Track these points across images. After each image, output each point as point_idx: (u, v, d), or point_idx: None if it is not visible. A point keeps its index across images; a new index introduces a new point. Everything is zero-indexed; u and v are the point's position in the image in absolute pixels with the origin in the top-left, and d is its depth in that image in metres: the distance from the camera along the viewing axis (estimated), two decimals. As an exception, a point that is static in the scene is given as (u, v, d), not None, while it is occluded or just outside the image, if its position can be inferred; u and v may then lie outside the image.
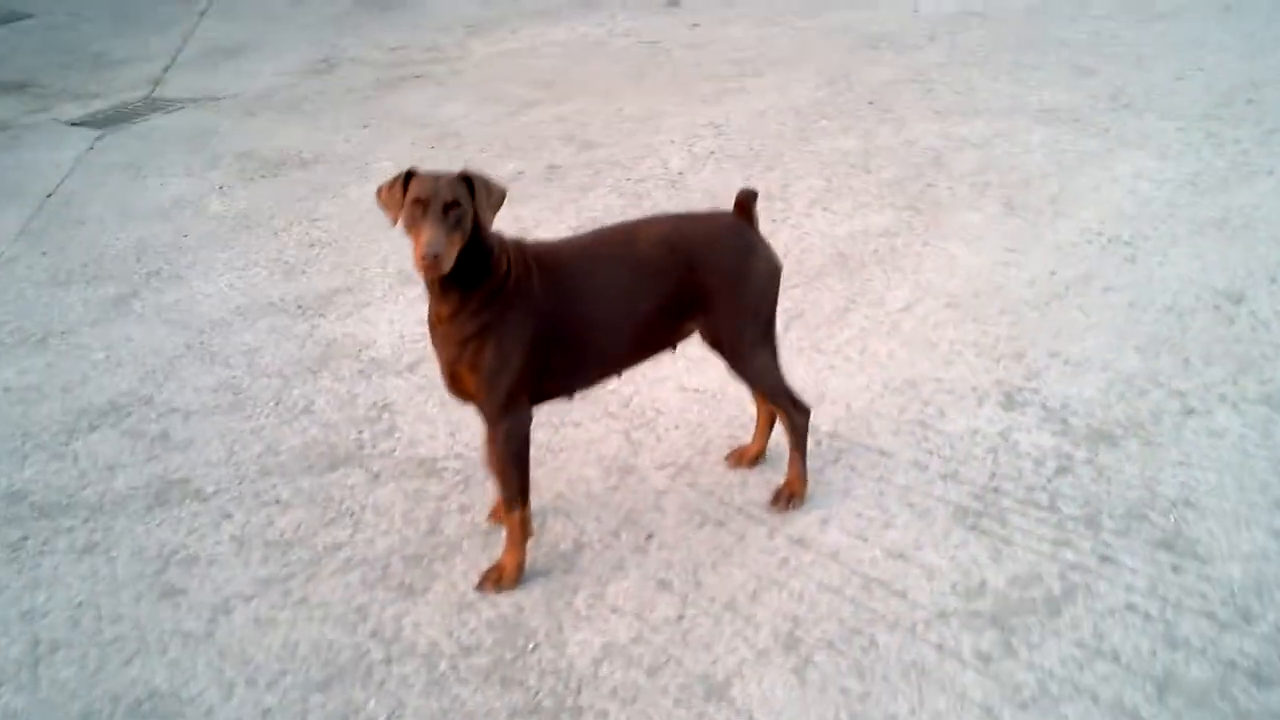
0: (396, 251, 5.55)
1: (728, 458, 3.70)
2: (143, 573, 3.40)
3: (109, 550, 3.52)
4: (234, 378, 4.52)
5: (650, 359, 3.30)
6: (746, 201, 3.24)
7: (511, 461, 3.11)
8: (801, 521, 3.36)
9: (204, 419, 4.22)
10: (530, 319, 2.98)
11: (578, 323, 3.06)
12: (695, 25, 9.66)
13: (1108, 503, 3.31)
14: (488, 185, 2.88)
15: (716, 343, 3.23)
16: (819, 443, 3.69)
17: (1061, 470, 3.48)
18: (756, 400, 3.59)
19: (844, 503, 3.42)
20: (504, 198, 2.93)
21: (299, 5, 11.64)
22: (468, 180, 2.84)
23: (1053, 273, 4.75)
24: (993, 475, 3.49)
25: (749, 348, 3.22)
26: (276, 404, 4.30)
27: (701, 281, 3.13)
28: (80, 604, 3.28)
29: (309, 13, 11.27)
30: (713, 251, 3.15)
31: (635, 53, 8.92)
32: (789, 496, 3.42)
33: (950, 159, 6.12)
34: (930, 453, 3.63)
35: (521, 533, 3.21)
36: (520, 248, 3.08)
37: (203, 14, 11.52)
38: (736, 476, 3.61)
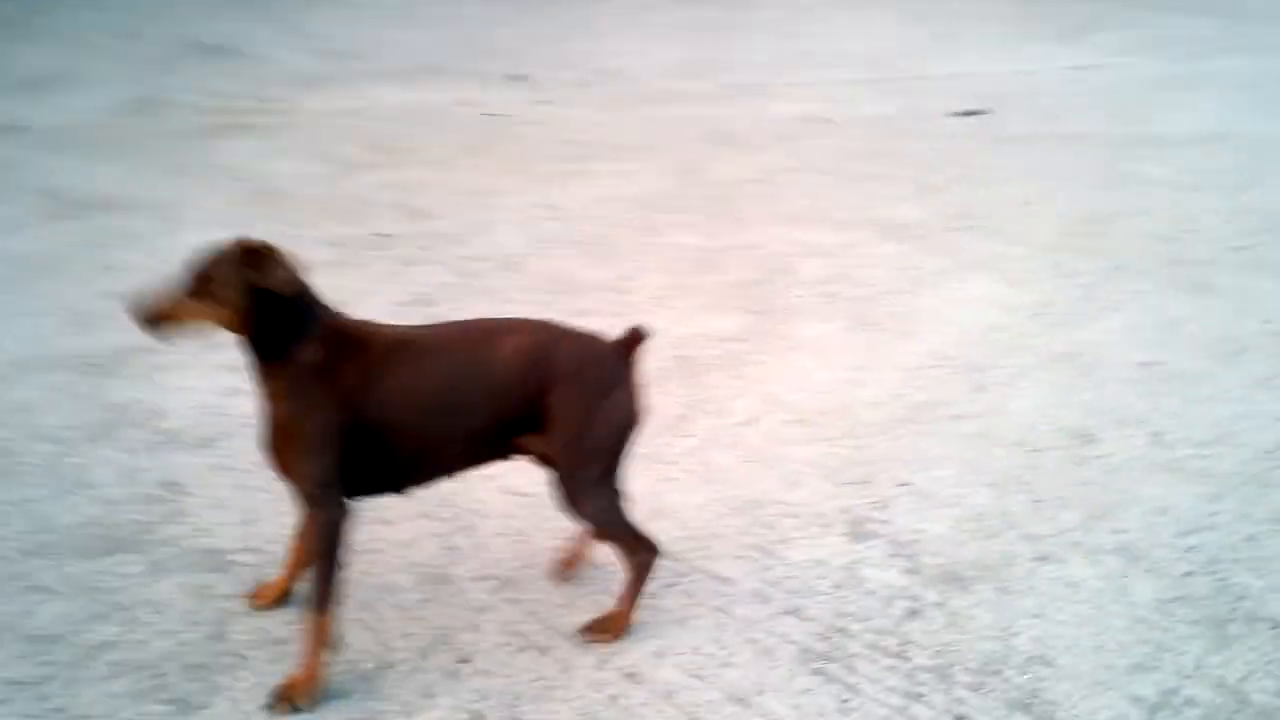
0: (203, 312, 5.12)
1: (554, 568, 3.39)
2: None
3: None
4: (4, 441, 4.04)
5: (480, 468, 3.00)
6: (634, 341, 2.98)
7: (322, 557, 2.79)
8: (634, 653, 3.06)
9: (-41, 490, 3.74)
10: (333, 408, 2.71)
11: (392, 422, 2.78)
12: (542, 102, 9.46)
13: (961, 654, 3.10)
14: (272, 258, 2.67)
15: (552, 471, 2.96)
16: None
17: (912, 613, 3.27)
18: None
19: (680, 634, 3.14)
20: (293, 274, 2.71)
21: (121, 38, 11.09)
22: (251, 251, 2.65)
23: (900, 395, 4.60)
24: (839, 614, 3.25)
25: (587, 488, 2.95)
26: (50, 473, 3.83)
27: (552, 406, 2.86)
28: None
29: (130, 47, 10.74)
30: (575, 379, 2.89)
31: (477, 124, 8.68)
32: (605, 633, 3.11)
33: (798, 266, 5.99)
34: (773, 584, 3.38)
35: (322, 642, 2.83)
36: (340, 329, 2.78)
37: (12, 36, 10.86)
38: (563, 595, 3.30)
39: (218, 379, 4.50)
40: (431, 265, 5.82)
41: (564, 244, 6.21)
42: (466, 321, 3.04)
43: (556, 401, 2.86)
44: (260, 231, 2.88)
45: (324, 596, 2.80)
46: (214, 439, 4.09)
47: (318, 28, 11.96)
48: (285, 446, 2.76)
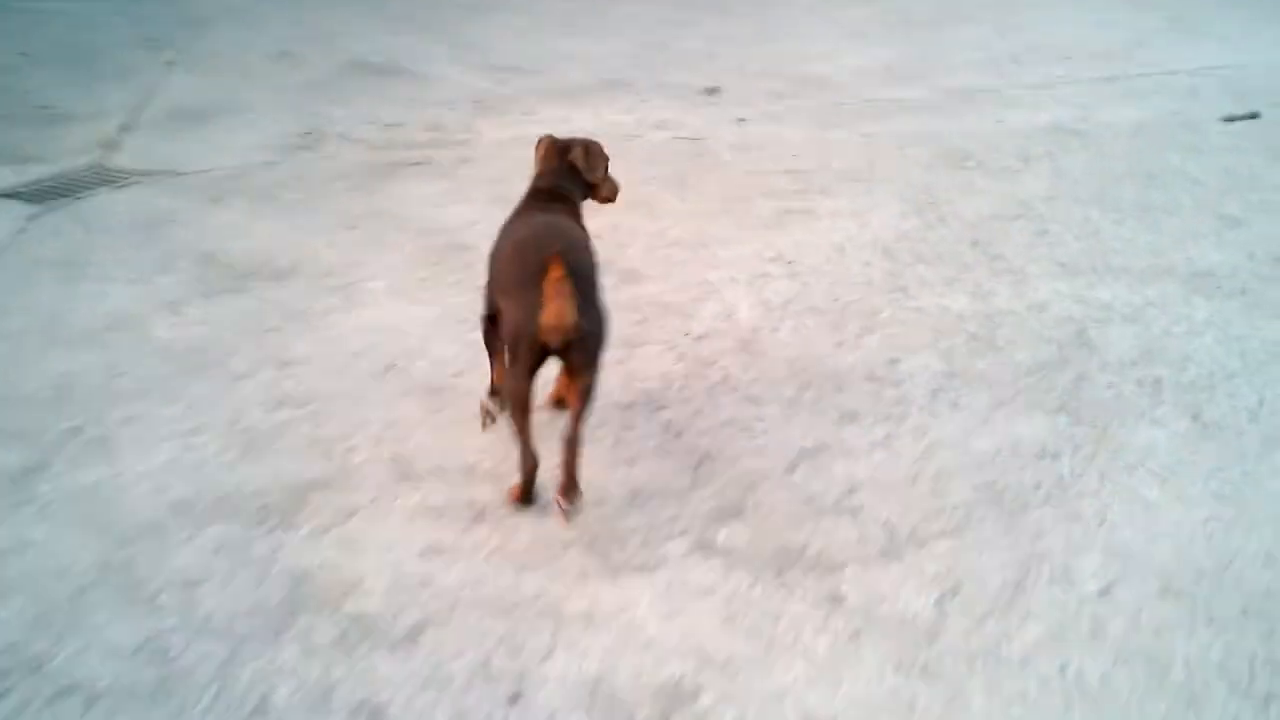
0: (393, 425, 4.33)
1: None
2: None
3: None
4: (163, 634, 3.28)
5: None
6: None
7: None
8: None
9: (111, 713, 2.97)
10: None
11: None
12: (741, 120, 8.52)
13: None
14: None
15: None
16: None
17: None
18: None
19: None
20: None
21: (280, 62, 10.44)
22: None
23: (1295, 543, 3.57)
24: None
25: None
26: (217, 697, 3.05)
27: None
28: None
29: (292, 73, 10.07)
30: None
31: (674, 151, 7.77)
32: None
33: (1098, 337, 4.97)
34: None
35: None
36: None
37: (171, 64, 10.30)
38: None
39: (417, 530, 3.70)
40: (653, 347, 4.95)
41: (804, 312, 5.29)
42: None
43: None
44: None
45: None
46: (419, 629, 3.27)
47: (488, 40, 11.18)
48: None
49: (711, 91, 9.37)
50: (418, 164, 7.58)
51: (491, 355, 4.25)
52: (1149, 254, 5.88)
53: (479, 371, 4.43)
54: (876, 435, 4.25)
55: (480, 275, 4.22)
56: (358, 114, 8.72)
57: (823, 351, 4.93)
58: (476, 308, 4.27)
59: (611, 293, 5.34)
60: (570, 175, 4.26)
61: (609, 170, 4.37)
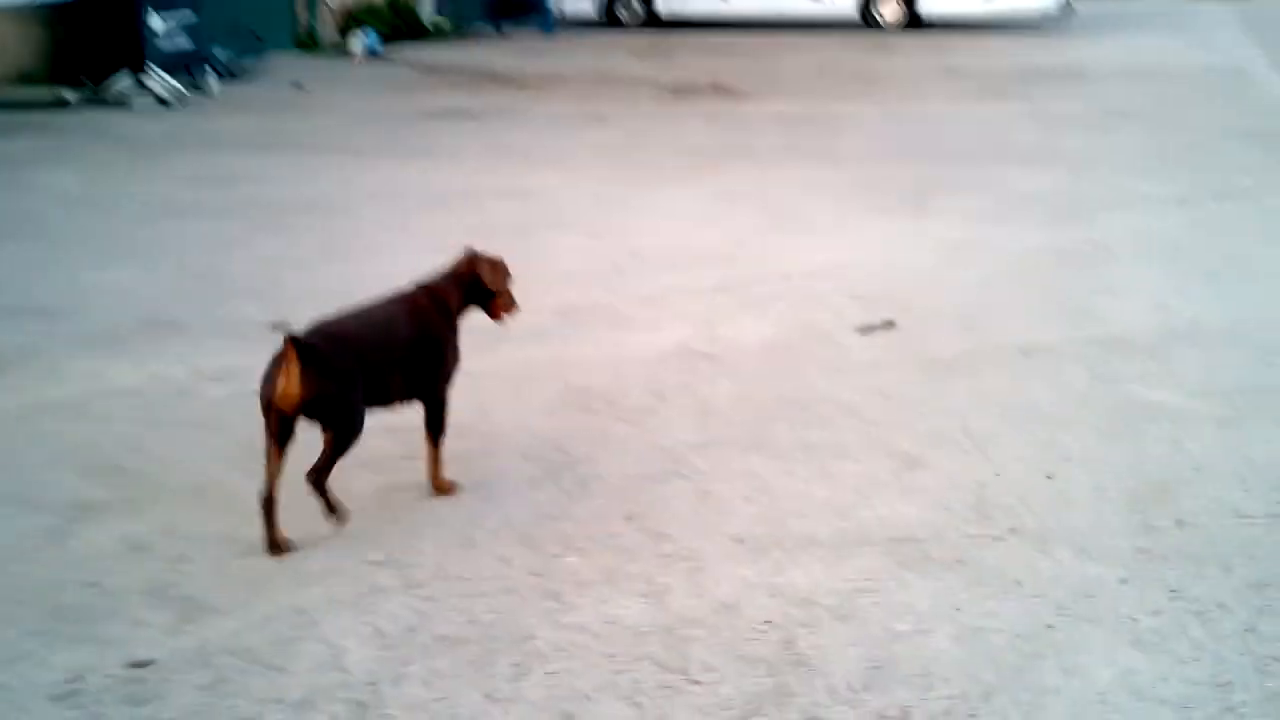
0: None
1: None
2: None
3: None
4: None
5: None
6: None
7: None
8: None
9: None
10: None
11: None
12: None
13: None
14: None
15: None
16: None
17: None
18: None
19: None
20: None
21: None
22: None
23: None
24: None
25: None
26: None
27: None
28: None
29: None
30: None
31: (241, 414, 6.35)
32: None
33: (811, 649, 4.07)
34: None
35: None
36: None
37: None
38: None
39: None
40: None
41: (433, 647, 4.01)
42: None
43: None
44: None
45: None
46: None
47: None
48: None
49: (277, 327, 8.00)
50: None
51: None
52: (833, 514, 5.03)
53: None
54: None
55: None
56: None
57: (468, 714, 3.69)
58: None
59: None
60: (472, 284, 5.16)
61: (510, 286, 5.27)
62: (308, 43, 24.27)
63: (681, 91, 18.34)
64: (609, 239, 10.05)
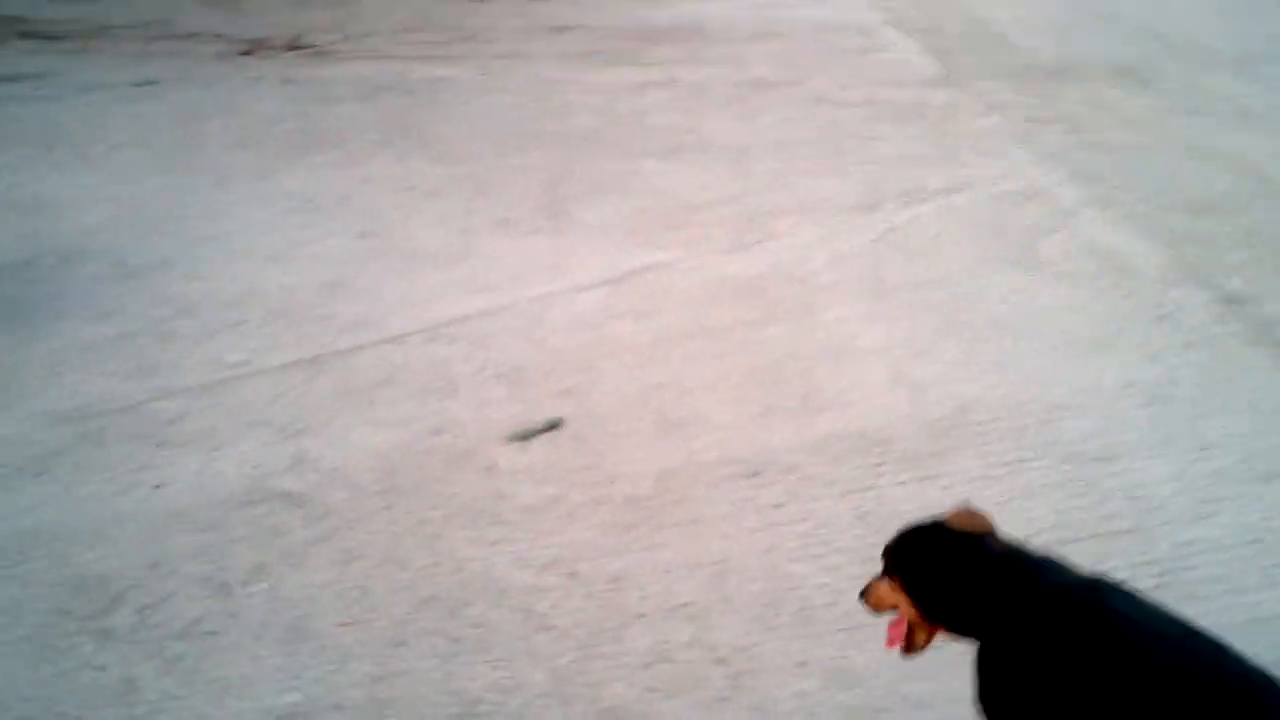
0: None
1: None
2: None
3: None
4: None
5: None
6: None
7: None
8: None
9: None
10: None
11: None
12: None
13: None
14: None
15: None
16: None
17: None
18: None
19: None
20: None
21: None
22: None
23: None
24: None
25: None
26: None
27: None
28: None
29: None
30: None
31: None
32: None
33: None
34: None
35: None
36: None
37: None
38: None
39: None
40: None
41: None
42: None
43: None
44: None
45: None
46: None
47: None
48: None
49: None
50: None
51: None
52: None
53: None
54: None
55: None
56: None
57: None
58: None
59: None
60: None
61: None
62: None
63: (254, 49, 15.55)
64: (147, 285, 7.41)
